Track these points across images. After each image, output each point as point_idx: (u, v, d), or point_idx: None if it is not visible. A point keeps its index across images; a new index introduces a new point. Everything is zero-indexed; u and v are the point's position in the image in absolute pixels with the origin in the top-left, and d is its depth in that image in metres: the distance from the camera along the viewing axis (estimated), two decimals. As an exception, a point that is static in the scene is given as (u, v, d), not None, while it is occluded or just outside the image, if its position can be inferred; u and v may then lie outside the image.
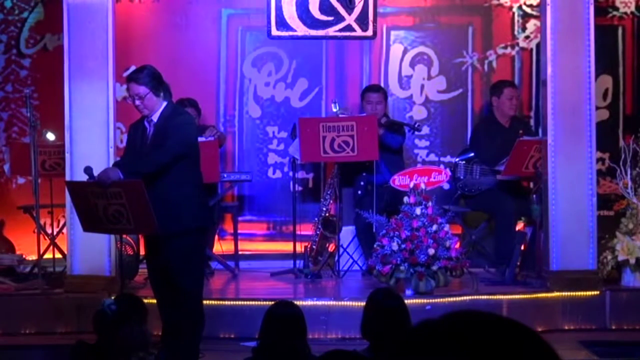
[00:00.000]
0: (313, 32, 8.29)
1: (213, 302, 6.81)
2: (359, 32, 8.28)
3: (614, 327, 7.20)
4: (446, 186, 8.44)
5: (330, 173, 8.45)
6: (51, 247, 7.97)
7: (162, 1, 8.91)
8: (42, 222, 7.95)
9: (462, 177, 8.20)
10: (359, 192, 8.22)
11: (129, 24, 8.66)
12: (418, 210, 7.10)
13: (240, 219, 8.78)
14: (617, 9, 9.02)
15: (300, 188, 8.83)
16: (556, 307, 7.18)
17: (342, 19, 8.24)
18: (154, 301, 5.83)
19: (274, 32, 8.28)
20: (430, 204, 7.16)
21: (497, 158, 7.97)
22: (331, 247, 8.14)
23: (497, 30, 9.04)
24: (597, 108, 8.17)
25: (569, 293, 7.18)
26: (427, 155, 9.03)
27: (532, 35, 8.97)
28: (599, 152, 8.11)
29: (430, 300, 6.93)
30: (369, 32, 8.30)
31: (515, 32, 9.04)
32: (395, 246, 7.00)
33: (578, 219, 7.27)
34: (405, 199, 7.19)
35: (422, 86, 9.02)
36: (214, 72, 9.00)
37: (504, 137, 8.03)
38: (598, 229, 7.33)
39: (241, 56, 9.00)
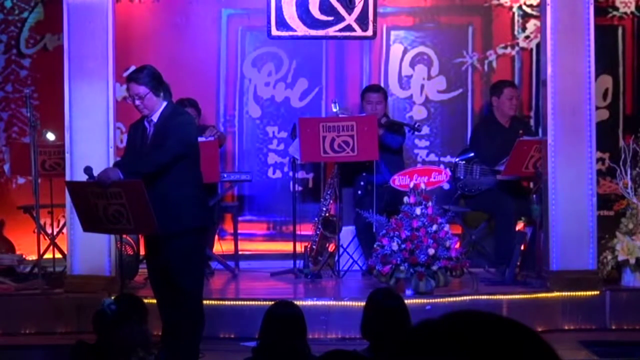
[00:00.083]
0: (313, 32, 8.29)
1: (213, 302, 6.81)
2: (359, 32, 8.28)
3: (614, 327, 7.20)
4: (446, 186, 8.44)
5: (330, 173, 8.45)
6: (51, 247, 7.97)
7: (162, 1, 8.91)
8: (42, 222, 7.95)
9: (462, 177, 8.20)
10: (359, 192, 8.22)
11: (129, 24, 8.66)
12: (418, 210, 7.10)
13: (240, 219, 8.78)
14: (617, 9, 9.02)
15: (300, 188, 8.83)
16: (556, 307, 7.18)
17: (342, 19, 8.24)
18: (154, 301, 5.83)
19: (274, 32, 8.28)
20: (430, 204, 7.16)
21: (497, 158, 7.97)
22: (331, 247, 8.14)
23: (497, 30, 9.04)
24: (597, 108, 8.17)
25: (569, 293, 7.18)
26: (427, 155, 9.03)
27: (532, 35, 8.97)
28: (599, 152, 8.11)
29: (430, 300, 6.93)
30: (369, 32, 8.30)
31: (515, 32, 9.04)
32: (395, 246, 7.00)
33: (578, 219, 7.27)
34: (405, 199, 7.19)
35: (422, 86, 9.02)
36: (214, 72, 9.00)
37: (504, 137, 8.03)
38: (598, 229, 7.33)
39: (241, 56, 9.00)
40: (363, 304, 4.72)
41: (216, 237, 8.41)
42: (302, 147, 7.77)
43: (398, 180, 7.43)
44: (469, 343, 1.32)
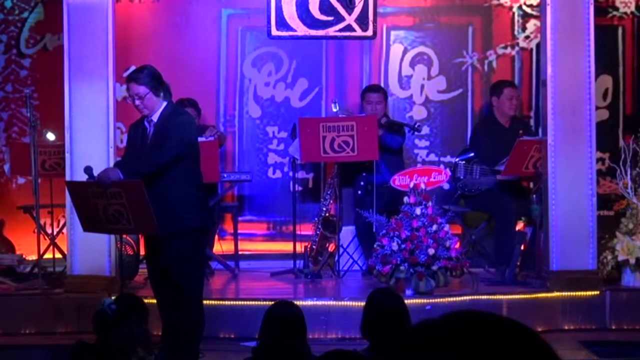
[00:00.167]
0: (313, 32, 8.28)
1: (213, 302, 6.81)
2: (359, 32, 8.28)
3: (614, 327, 7.20)
4: (446, 186, 8.44)
5: (330, 173, 8.45)
6: (51, 247, 7.97)
7: (162, 1, 8.91)
8: (42, 222, 7.95)
9: (462, 177, 8.20)
10: (359, 192, 8.22)
11: (129, 24, 8.66)
12: (418, 210, 7.10)
13: (240, 219, 8.78)
14: (617, 9, 9.02)
15: (300, 188, 8.83)
16: (556, 307, 7.18)
17: (342, 19, 8.23)
18: (154, 301, 5.83)
19: (274, 32, 8.28)
20: (430, 204, 7.16)
21: (497, 158, 7.97)
22: (331, 247, 8.14)
23: (497, 30, 9.04)
24: (597, 108, 8.17)
25: (569, 293, 7.18)
26: (427, 155, 9.03)
27: (532, 35, 8.97)
28: (599, 152, 8.11)
29: (430, 300, 6.93)
30: (369, 32, 8.30)
31: (515, 32, 9.04)
32: (395, 246, 7.00)
33: (578, 219, 7.27)
34: (405, 199, 7.19)
35: (422, 86, 9.02)
36: (214, 72, 9.00)
37: (504, 137, 8.03)
38: (598, 229, 7.33)
39: (241, 56, 9.00)
40: (363, 304, 4.72)
41: (216, 237, 8.41)
42: (302, 147, 7.77)
43: (398, 180, 7.43)
44: (469, 343, 1.32)
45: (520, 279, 7.61)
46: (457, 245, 7.15)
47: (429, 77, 9.01)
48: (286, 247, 8.41)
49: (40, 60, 8.94)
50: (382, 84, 8.78)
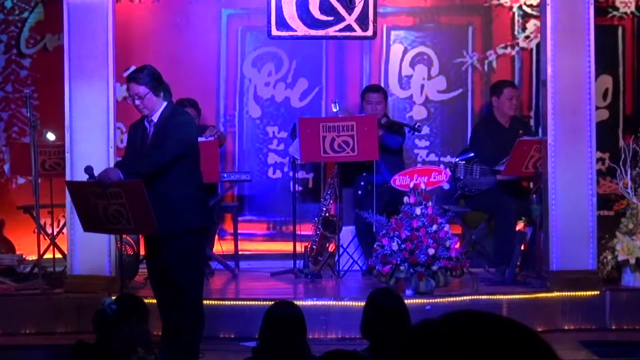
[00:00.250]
0: (313, 32, 8.29)
1: (213, 302, 6.82)
2: (359, 32, 8.28)
3: (614, 327, 7.20)
4: (446, 186, 8.44)
5: (330, 173, 8.45)
6: (51, 247, 7.97)
7: (162, 1, 8.91)
8: (42, 222, 7.95)
9: (462, 177, 8.20)
10: (359, 192, 8.22)
11: (129, 24, 8.66)
12: (418, 210, 7.10)
13: (240, 219, 8.78)
14: (617, 9, 9.02)
15: (300, 188, 8.83)
16: (556, 307, 7.18)
17: (342, 19, 8.24)
18: (154, 301, 5.83)
19: (274, 32, 8.28)
20: (430, 204, 7.16)
21: (497, 158, 7.97)
22: (331, 247, 8.14)
23: (497, 30, 9.04)
24: (597, 108, 8.17)
25: (569, 293, 7.18)
26: (427, 155, 9.03)
27: (532, 35, 8.97)
28: (599, 152, 8.11)
29: (430, 300, 6.93)
30: (369, 32, 8.30)
31: (515, 32, 9.04)
32: (395, 246, 7.00)
33: (578, 219, 7.28)
34: (405, 199, 7.19)
35: (422, 86, 9.02)
36: (214, 72, 9.00)
37: (504, 137, 8.03)
38: (598, 229, 7.33)
39: (241, 56, 9.00)
40: (363, 304, 4.72)
41: (216, 237, 8.41)
42: (302, 147, 7.78)
43: (398, 180, 7.43)
44: (468, 343, 1.32)
45: (520, 279, 7.61)
46: (457, 245, 7.15)
47: (429, 77, 9.02)
48: (286, 247, 8.41)
49: (40, 60, 8.94)
50: (382, 84, 8.78)
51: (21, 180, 8.89)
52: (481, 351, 1.31)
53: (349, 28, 8.25)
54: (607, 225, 7.75)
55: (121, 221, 5.58)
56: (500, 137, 8.10)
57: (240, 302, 7.13)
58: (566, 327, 7.14)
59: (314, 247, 8.10)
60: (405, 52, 9.02)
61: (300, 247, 8.07)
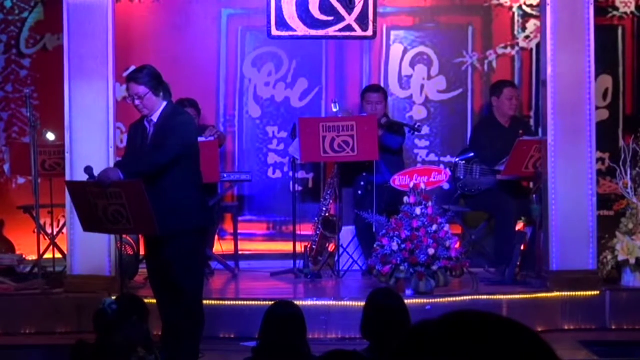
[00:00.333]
0: (313, 32, 8.29)
1: (213, 302, 6.81)
2: (359, 32, 8.28)
3: (614, 327, 7.20)
4: (446, 186, 8.44)
5: (330, 173, 8.45)
6: (51, 247, 7.97)
7: (162, 1, 8.91)
8: (42, 222, 7.95)
9: (462, 177, 8.20)
10: (359, 192, 8.22)
11: (129, 24, 8.66)
12: (418, 210, 7.10)
13: (240, 219, 8.78)
14: (617, 9, 9.02)
15: (300, 188, 8.83)
16: (556, 307, 7.18)
17: (342, 19, 8.24)
18: (154, 301, 5.83)
19: (274, 32, 8.28)
20: (430, 204, 7.16)
21: (497, 158, 7.97)
22: (331, 247, 8.14)
23: (497, 30, 9.04)
24: (597, 108, 8.17)
25: (569, 293, 7.18)
26: (427, 155, 9.03)
27: (532, 35, 8.97)
28: (599, 152, 8.11)
29: (430, 300, 6.93)
30: (369, 32, 8.30)
31: (515, 32, 9.04)
32: (395, 246, 7.00)
33: (578, 219, 7.27)
34: (405, 199, 7.19)
35: (422, 86, 9.02)
36: (214, 72, 9.00)
37: (504, 137, 8.03)
38: (598, 229, 7.33)
39: (241, 56, 9.00)
40: (363, 304, 4.72)
41: (216, 237, 8.41)
42: (302, 147, 7.78)
43: (398, 180, 7.43)
44: (468, 343, 1.32)
45: (520, 279, 7.61)
46: (457, 245, 7.15)
47: (429, 77, 9.01)
48: (286, 247, 8.41)
49: (40, 60, 8.94)
50: (382, 84, 8.77)
51: (21, 180, 8.89)
52: (481, 351, 1.31)
53: (349, 28, 8.25)
54: (607, 225, 7.75)
55: (121, 221, 5.58)
56: (500, 137, 8.09)
57: (240, 302, 7.13)
58: (566, 327, 7.14)
59: (314, 247, 8.10)
60: (405, 52, 9.02)
61: (300, 247, 8.07)
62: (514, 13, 9.02)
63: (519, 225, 8.10)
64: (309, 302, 6.86)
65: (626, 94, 9.07)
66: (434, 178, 7.47)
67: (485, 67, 9.02)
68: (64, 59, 7.21)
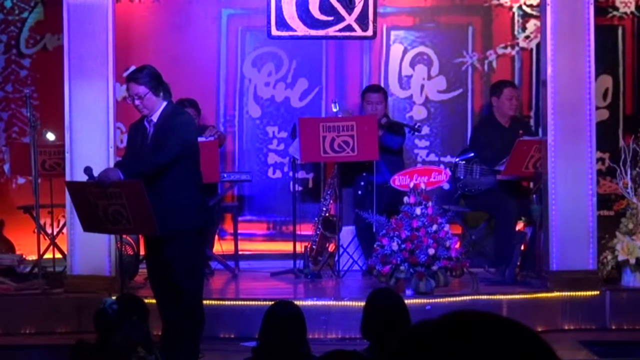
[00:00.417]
0: (313, 32, 8.29)
1: (213, 302, 6.82)
2: (359, 32, 8.28)
3: (614, 327, 7.20)
4: (446, 186, 8.44)
5: (330, 173, 8.45)
6: (51, 247, 7.97)
7: (162, 1, 8.91)
8: (42, 222, 7.95)
9: (462, 177, 8.20)
10: (359, 192, 8.22)
11: (129, 24, 8.66)
12: (418, 210, 7.10)
13: (240, 219, 8.78)
14: (617, 9, 9.02)
15: (300, 188, 8.83)
16: (556, 307, 7.18)
17: (342, 19, 8.24)
18: (154, 301, 5.83)
19: (274, 32, 8.28)
20: (430, 204, 7.16)
21: (497, 158, 7.97)
22: (331, 247, 8.14)
23: (497, 30, 9.04)
24: (597, 108, 8.17)
25: (569, 293, 7.18)
26: (427, 155, 9.03)
27: (532, 35, 8.97)
28: (599, 152, 8.11)
29: (430, 300, 6.93)
30: (369, 32, 8.30)
31: (515, 32, 9.04)
32: (395, 246, 7.00)
33: (578, 219, 7.27)
34: (405, 199, 7.19)
35: (422, 86, 9.02)
36: (214, 72, 8.99)
37: (504, 137, 8.03)
38: (598, 229, 7.33)
39: (241, 56, 9.00)
40: (363, 304, 4.72)
41: (216, 237, 8.41)
42: (302, 147, 7.78)
43: (398, 180, 7.43)
44: (468, 343, 1.32)
45: (520, 279, 7.61)
46: (457, 245, 7.15)
47: (429, 77, 9.01)
48: (286, 247, 8.41)
49: (40, 60, 8.94)
50: (382, 84, 8.78)
51: (21, 180, 8.89)
52: (481, 351, 1.31)
53: (349, 28, 8.25)
54: (607, 225, 7.75)
55: (121, 221, 5.58)
56: (500, 137, 8.09)
57: (240, 302, 7.13)
58: (566, 327, 7.14)
59: (314, 247, 8.10)
60: (405, 52, 9.02)
61: (300, 247, 8.07)
62: (514, 13, 9.02)
63: (519, 225, 8.10)
64: (309, 302, 6.86)
65: (626, 94, 9.07)
66: (434, 178, 7.47)
67: (485, 67, 9.02)
68: (64, 59, 7.21)
